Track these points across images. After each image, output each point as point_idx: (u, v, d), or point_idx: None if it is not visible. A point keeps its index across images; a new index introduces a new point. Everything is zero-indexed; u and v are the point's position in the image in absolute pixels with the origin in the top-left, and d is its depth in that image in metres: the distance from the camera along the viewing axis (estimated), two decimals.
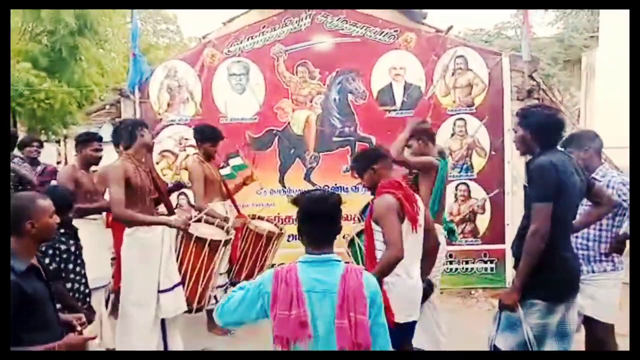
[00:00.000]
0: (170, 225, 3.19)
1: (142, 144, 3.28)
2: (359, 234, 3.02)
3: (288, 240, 4.74)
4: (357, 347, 1.76)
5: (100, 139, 3.80)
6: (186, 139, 5.19)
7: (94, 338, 2.07)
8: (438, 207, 3.26)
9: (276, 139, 5.18)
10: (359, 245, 2.97)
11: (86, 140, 3.74)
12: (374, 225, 2.56)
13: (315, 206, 1.89)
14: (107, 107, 6.09)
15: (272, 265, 4.06)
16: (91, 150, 3.66)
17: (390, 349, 1.86)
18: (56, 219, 2.12)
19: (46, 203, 2.07)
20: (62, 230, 2.73)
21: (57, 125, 9.99)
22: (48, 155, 9.15)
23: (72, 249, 2.84)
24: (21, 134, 9.73)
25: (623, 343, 2.89)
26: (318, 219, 1.88)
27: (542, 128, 2.43)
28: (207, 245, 3.41)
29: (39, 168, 4.88)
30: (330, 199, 1.90)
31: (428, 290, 2.80)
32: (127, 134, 3.29)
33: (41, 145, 5.06)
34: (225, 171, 5.01)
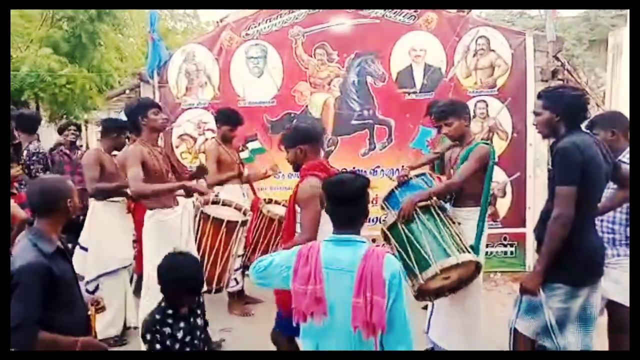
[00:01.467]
0: (187, 190, 3.12)
1: (150, 128, 3.23)
2: (389, 228, 2.92)
3: None
4: (371, 327, 1.77)
5: (126, 127, 3.86)
6: (205, 123, 5.23)
7: (105, 348, 2.17)
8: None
9: (294, 122, 5.17)
10: (422, 222, 2.85)
11: (113, 127, 3.86)
12: (296, 206, 2.58)
13: (337, 189, 1.91)
14: (127, 91, 6.18)
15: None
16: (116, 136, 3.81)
17: (410, 337, 1.85)
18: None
19: (71, 184, 2.15)
20: None
21: (79, 110, 10.15)
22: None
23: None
24: (43, 119, 9.92)
25: None
26: (340, 202, 1.90)
27: (567, 109, 2.36)
28: (224, 225, 3.45)
29: (79, 153, 5.05)
30: (353, 182, 1.90)
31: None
32: (130, 124, 3.31)
33: (78, 129, 5.22)
34: (244, 155, 5.02)
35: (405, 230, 2.84)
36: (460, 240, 2.84)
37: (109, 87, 10.01)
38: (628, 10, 10.36)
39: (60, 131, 5.20)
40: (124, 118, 4.75)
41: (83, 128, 12.15)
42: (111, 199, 3.76)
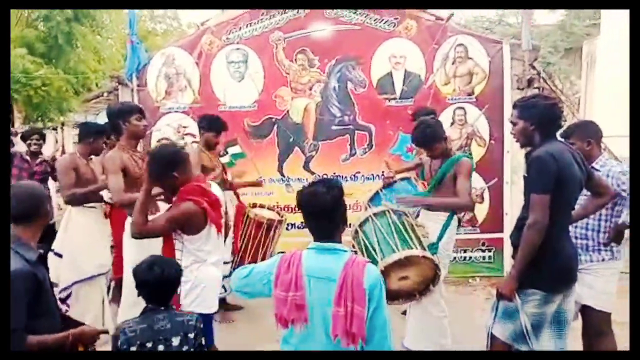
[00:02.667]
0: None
1: (131, 133, 3.17)
2: (361, 225, 3.01)
3: (287, 229, 4.75)
4: (351, 337, 1.77)
5: (104, 132, 3.80)
6: (184, 127, 5.17)
7: (106, 332, 2.10)
8: None
9: (275, 127, 5.16)
10: (362, 237, 2.96)
11: (91, 131, 3.78)
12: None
13: (310, 204, 1.89)
14: (105, 94, 6.06)
15: (274, 254, 4.09)
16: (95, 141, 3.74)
17: (391, 348, 1.85)
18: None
19: (44, 190, 2.14)
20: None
21: (54, 113, 9.96)
22: (48, 142, 9.16)
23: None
24: (17, 122, 9.70)
25: (621, 332, 2.93)
26: (315, 216, 1.89)
27: (541, 119, 2.41)
28: None
29: (39, 159, 4.96)
30: (325, 196, 1.85)
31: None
32: (110, 125, 3.25)
33: (42, 138, 5.06)
34: (224, 159, 5.00)
35: (360, 233, 2.97)
36: (415, 239, 2.90)
37: (86, 90, 9.86)
38: (601, 20, 10.71)
39: (24, 139, 5.03)
40: (101, 121, 4.69)
41: (59, 131, 11.93)
42: (88, 204, 3.69)
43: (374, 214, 3.01)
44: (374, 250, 2.83)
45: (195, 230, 2.45)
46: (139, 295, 2.11)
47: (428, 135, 3.24)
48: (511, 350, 2.54)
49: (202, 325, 2.10)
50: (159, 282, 2.06)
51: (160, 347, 1.97)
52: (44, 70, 8.80)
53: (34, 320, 1.89)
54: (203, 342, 2.09)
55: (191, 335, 2.04)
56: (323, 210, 1.87)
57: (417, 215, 3.30)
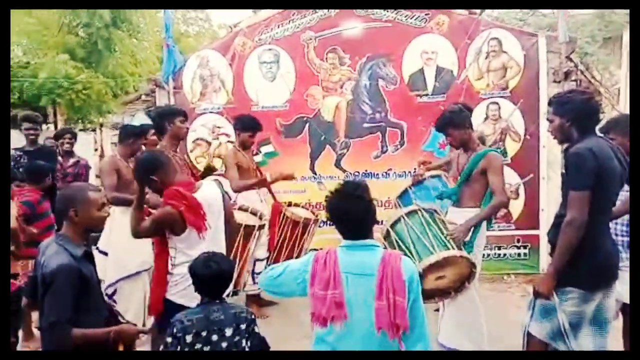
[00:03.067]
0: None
1: (174, 135, 3.33)
2: (393, 225, 2.99)
3: (320, 227, 4.80)
4: (395, 328, 1.81)
5: (143, 133, 3.93)
6: (219, 127, 5.30)
7: (147, 332, 2.18)
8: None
9: (307, 125, 5.22)
10: (394, 237, 2.94)
11: (130, 133, 3.90)
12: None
13: (343, 216, 1.92)
14: (143, 96, 6.29)
15: (308, 251, 4.16)
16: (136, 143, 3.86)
17: (427, 335, 1.89)
18: (105, 212, 2.21)
19: (94, 195, 2.17)
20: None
21: (94, 115, 10.35)
22: (86, 143, 9.52)
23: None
24: (60, 124, 10.13)
25: None
26: (348, 223, 1.93)
27: (577, 114, 2.37)
28: (241, 230, 3.51)
29: (72, 160, 4.99)
30: (358, 206, 1.88)
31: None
32: (155, 126, 3.39)
33: (74, 137, 5.15)
34: (257, 159, 5.10)
35: (392, 233, 2.94)
36: (447, 239, 2.88)
37: (124, 92, 10.19)
38: None
39: (56, 138, 5.13)
40: (137, 123, 4.85)
41: (98, 132, 12.38)
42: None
43: (406, 214, 2.98)
44: (409, 251, 2.80)
45: (179, 231, 2.52)
46: (195, 290, 2.18)
47: (446, 119, 3.21)
48: (547, 350, 2.51)
49: (253, 317, 2.17)
50: (214, 277, 2.13)
51: (214, 337, 2.05)
52: (85, 74, 9.17)
53: (80, 315, 1.99)
54: (256, 330, 2.15)
55: (243, 326, 2.11)
56: (355, 219, 1.91)
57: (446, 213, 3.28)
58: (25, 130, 4.57)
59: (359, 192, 1.92)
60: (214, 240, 2.65)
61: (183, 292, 2.52)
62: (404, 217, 2.96)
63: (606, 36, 11.64)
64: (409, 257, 2.70)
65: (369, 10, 5.07)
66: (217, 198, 2.71)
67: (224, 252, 2.70)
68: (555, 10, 6.12)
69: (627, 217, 2.78)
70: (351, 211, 1.90)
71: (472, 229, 3.05)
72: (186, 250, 2.54)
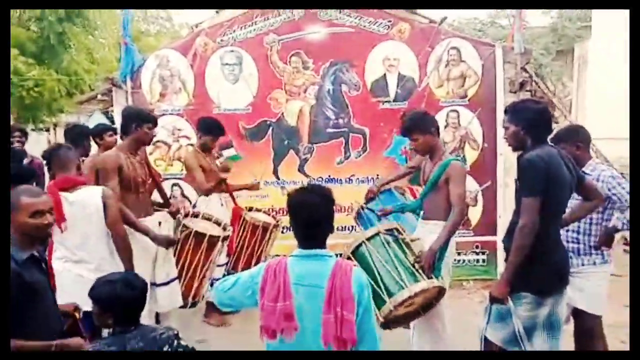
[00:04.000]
0: (152, 239, 3.10)
1: (138, 140, 3.25)
2: (354, 251, 2.81)
3: (282, 232, 4.75)
4: (342, 343, 1.77)
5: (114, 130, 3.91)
6: (179, 129, 5.17)
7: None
8: None
9: (270, 129, 5.17)
10: (369, 252, 2.77)
11: (102, 130, 3.98)
12: None
13: (302, 214, 1.88)
14: (99, 96, 6.03)
15: (269, 257, 4.10)
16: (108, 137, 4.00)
17: (378, 348, 1.86)
18: (44, 219, 2.01)
19: (28, 201, 2.00)
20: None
21: (46, 114, 9.88)
22: (39, 142, 9.07)
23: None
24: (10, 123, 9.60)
25: (614, 333, 2.96)
26: (306, 221, 1.88)
27: (531, 123, 2.45)
28: (205, 240, 3.41)
29: (25, 160, 4.79)
30: (318, 207, 1.86)
31: None
32: (124, 125, 3.29)
33: (24, 135, 4.93)
34: (219, 161, 5.00)
35: (354, 260, 2.74)
36: (415, 266, 2.74)
37: (79, 91, 9.78)
38: (592, 22, 10.81)
39: None
40: (93, 123, 4.66)
41: (52, 131, 11.84)
42: None
43: (367, 239, 2.79)
44: (376, 283, 2.61)
45: None
46: (107, 319, 2.01)
47: (413, 122, 3.08)
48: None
49: (175, 332, 2.03)
50: (124, 302, 1.97)
51: None
52: (37, 71, 8.74)
53: (25, 324, 1.87)
54: (180, 348, 1.99)
55: (166, 348, 1.96)
56: (315, 220, 1.87)
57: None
58: (17, 141, 4.44)
59: (323, 190, 1.92)
60: (86, 245, 2.73)
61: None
62: (365, 243, 2.78)
63: (559, 49, 12.21)
64: (375, 289, 2.57)
65: (332, 14, 5.08)
66: (93, 204, 2.73)
67: (105, 258, 2.74)
68: (511, 22, 6.32)
69: (576, 224, 2.88)
70: (311, 206, 1.85)
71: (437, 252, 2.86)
72: (58, 243, 2.70)
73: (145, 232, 3.08)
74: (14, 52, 8.63)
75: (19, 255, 1.92)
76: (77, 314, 2.16)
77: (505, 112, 2.59)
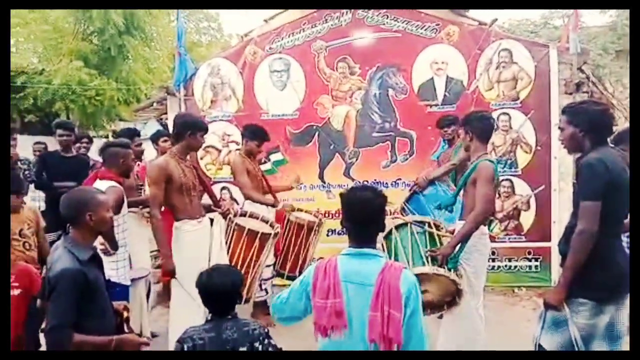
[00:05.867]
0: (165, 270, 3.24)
1: (190, 146, 3.38)
2: (397, 227, 2.99)
3: (327, 235, 4.79)
4: (387, 342, 1.76)
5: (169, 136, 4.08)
6: (229, 135, 5.33)
7: (147, 344, 2.15)
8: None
9: (316, 134, 5.23)
10: (396, 239, 2.93)
11: (158, 136, 4.22)
12: None
13: (357, 208, 1.90)
14: (154, 104, 6.33)
15: (314, 258, 4.14)
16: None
17: (425, 349, 1.85)
18: (111, 213, 2.22)
19: (103, 197, 2.19)
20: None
21: (106, 121, 10.48)
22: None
23: None
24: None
25: None
26: (359, 220, 1.90)
27: (590, 124, 2.35)
28: (257, 238, 3.51)
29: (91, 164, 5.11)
30: (373, 203, 1.89)
31: None
32: (175, 133, 3.42)
33: (90, 142, 5.27)
34: (266, 167, 5.13)
35: (384, 244, 2.91)
36: (427, 254, 2.84)
37: (136, 100, 10.30)
38: None
39: (73, 143, 5.11)
40: (151, 130, 4.91)
41: (110, 138, 12.51)
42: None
43: (396, 227, 2.98)
44: None
45: None
46: (204, 305, 2.13)
47: (464, 118, 3.26)
48: None
49: (266, 331, 2.09)
50: (220, 292, 2.06)
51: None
52: (98, 81, 9.30)
53: (86, 320, 1.97)
54: (270, 347, 2.06)
55: (257, 344, 2.02)
56: (369, 217, 1.89)
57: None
58: (59, 136, 4.68)
59: (376, 188, 1.97)
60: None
61: None
62: (393, 230, 2.96)
63: (619, 49, 11.58)
64: None
65: (380, 19, 5.09)
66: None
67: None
68: (566, 22, 6.08)
69: None
70: (364, 202, 1.88)
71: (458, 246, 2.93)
72: None
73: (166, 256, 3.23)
74: (78, 64, 9.25)
75: (82, 256, 2.02)
76: (125, 313, 2.26)
77: (563, 112, 2.50)
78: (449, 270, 2.82)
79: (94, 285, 2.03)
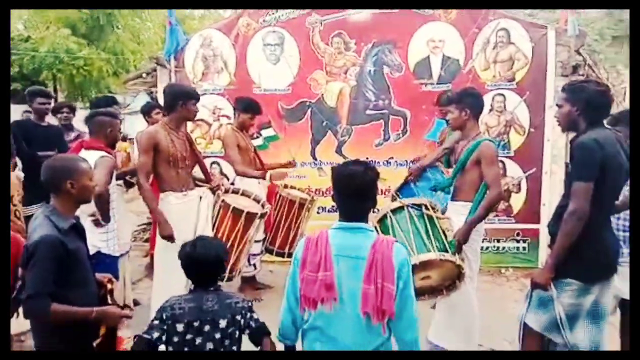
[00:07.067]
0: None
1: (183, 117, 3.33)
2: (394, 211, 2.90)
3: (318, 212, 4.76)
4: (381, 314, 1.78)
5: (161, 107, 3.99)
6: (220, 109, 5.24)
7: (129, 317, 2.12)
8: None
9: (309, 110, 5.16)
10: (391, 223, 2.84)
11: (150, 108, 4.17)
12: None
13: (347, 181, 1.88)
14: (144, 75, 6.18)
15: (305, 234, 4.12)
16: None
17: (417, 325, 1.86)
18: (94, 182, 2.17)
19: (86, 166, 2.13)
20: None
21: (94, 92, 10.27)
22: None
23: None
24: (60, 100, 10.05)
25: None
26: (349, 194, 1.88)
27: (588, 104, 2.33)
28: (243, 216, 3.46)
29: (73, 134, 4.87)
30: (363, 176, 1.86)
31: None
32: (166, 104, 3.35)
33: (72, 111, 5.09)
34: (258, 142, 5.06)
35: (378, 229, 2.82)
36: (433, 239, 2.76)
37: (125, 71, 10.09)
38: None
39: (54, 111, 4.97)
40: (141, 102, 4.80)
41: None
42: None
43: (392, 210, 2.88)
44: None
45: None
46: (188, 277, 2.11)
47: (454, 95, 3.18)
48: (543, 341, 2.49)
49: (250, 304, 2.08)
50: (202, 263, 2.04)
51: (207, 327, 1.96)
52: (86, 50, 9.09)
53: (66, 290, 1.93)
54: (253, 324, 2.04)
55: (238, 317, 2.01)
56: (359, 190, 1.86)
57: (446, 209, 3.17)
58: (39, 104, 4.48)
59: (368, 165, 1.93)
60: None
61: None
62: (389, 214, 2.86)
63: (615, 34, 11.53)
64: None
65: None
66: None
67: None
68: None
69: (629, 212, 2.73)
70: (356, 176, 1.85)
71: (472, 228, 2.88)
72: None
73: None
74: (66, 31, 8.99)
75: (62, 224, 1.97)
76: (109, 285, 2.22)
77: (563, 89, 2.47)
78: (453, 254, 2.76)
79: (75, 255, 1.98)
